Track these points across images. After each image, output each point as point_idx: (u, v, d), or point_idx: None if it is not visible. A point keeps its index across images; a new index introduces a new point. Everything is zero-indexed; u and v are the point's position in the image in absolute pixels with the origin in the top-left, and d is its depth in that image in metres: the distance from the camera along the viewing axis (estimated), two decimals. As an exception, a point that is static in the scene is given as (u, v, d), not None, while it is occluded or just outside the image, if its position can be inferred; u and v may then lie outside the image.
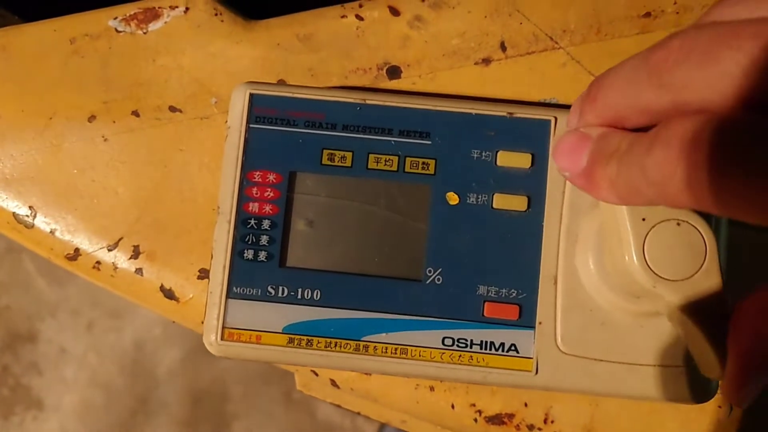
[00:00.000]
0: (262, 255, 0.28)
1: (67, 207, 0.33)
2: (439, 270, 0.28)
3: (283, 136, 0.28)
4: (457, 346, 0.27)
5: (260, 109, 0.29)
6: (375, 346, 0.27)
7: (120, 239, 0.33)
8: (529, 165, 0.28)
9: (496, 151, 0.28)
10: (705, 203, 0.18)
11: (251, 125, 0.29)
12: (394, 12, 0.33)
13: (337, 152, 0.28)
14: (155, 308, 0.34)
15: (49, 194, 0.34)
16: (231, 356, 0.28)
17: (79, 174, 0.33)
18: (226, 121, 0.29)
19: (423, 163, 0.28)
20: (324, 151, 0.28)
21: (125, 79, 0.34)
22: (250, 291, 0.28)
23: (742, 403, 0.22)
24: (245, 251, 0.28)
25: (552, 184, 0.28)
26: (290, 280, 0.28)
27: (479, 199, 0.28)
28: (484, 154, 0.28)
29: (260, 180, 0.28)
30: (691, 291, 0.23)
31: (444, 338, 0.27)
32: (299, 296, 0.28)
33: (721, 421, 0.32)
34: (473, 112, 0.28)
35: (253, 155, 0.28)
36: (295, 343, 0.27)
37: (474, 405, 0.32)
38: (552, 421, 0.31)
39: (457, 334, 0.27)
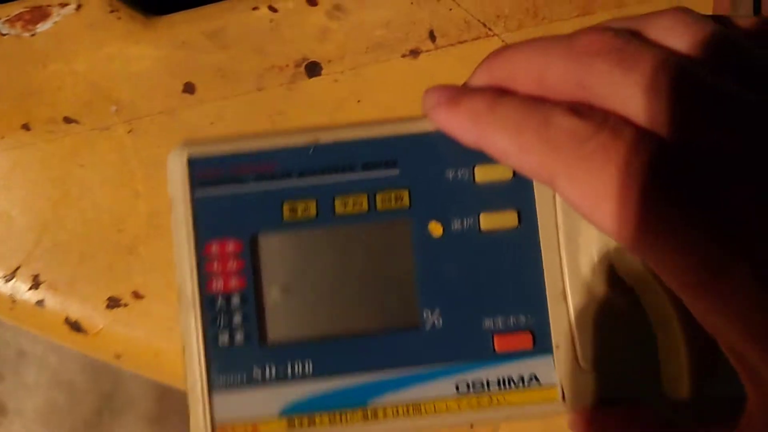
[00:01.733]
0: (239, 336, 0.25)
1: (-45, 236, 0.31)
2: (437, 311, 0.25)
3: (235, 197, 0.25)
4: (473, 390, 0.25)
5: (203, 173, 0.25)
6: (384, 410, 0.25)
7: (17, 268, 0.31)
8: (512, 175, 0.25)
9: (473, 167, 0.25)
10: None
11: (196, 193, 0.25)
12: (311, 2, 0.31)
13: (298, 203, 0.25)
14: (62, 341, 0.31)
15: (-67, 223, 0.31)
16: None
17: (-34, 198, 0.31)
18: (168, 192, 0.26)
19: (396, 196, 0.25)
20: (284, 204, 0.25)
21: (12, 88, 0.31)
22: (234, 379, 0.25)
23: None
24: (219, 336, 0.25)
25: (540, 191, 0.25)
26: (276, 357, 0.25)
27: (465, 224, 0.25)
28: (459, 172, 0.25)
29: (219, 252, 0.25)
30: None
31: (457, 385, 0.25)
32: (290, 373, 0.25)
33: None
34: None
35: (206, 225, 0.25)
36: (297, 425, 0.25)
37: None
38: (501, 440, 0.30)
39: (470, 377, 0.25)
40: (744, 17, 0.21)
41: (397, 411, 0.25)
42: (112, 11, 0.30)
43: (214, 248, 0.25)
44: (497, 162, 0.21)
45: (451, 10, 0.30)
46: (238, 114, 0.31)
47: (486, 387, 0.25)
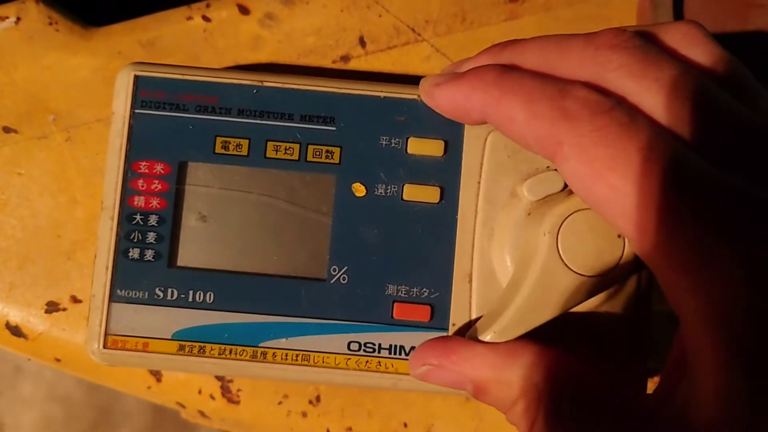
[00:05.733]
0: (149, 254, 0.26)
1: None
2: (345, 268, 0.26)
3: (172, 122, 0.26)
4: (364, 351, 0.25)
5: (147, 93, 0.26)
6: (274, 353, 0.25)
7: (-43, 275, 0.30)
8: (442, 153, 0.26)
9: (407, 138, 0.26)
10: None
11: (136, 110, 0.26)
12: (244, 11, 0.31)
13: (231, 140, 0.26)
14: (5, 346, 0.31)
15: None
16: (116, 365, 0.26)
17: None
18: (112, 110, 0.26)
19: (327, 151, 0.26)
20: (217, 138, 0.26)
21: (-48, 99, 0.31)
22: (136, 294, 0.25)
23: (414, 372, 0.23)
24: (130, 250, 0.26)
25: (466, 174, 0.26)
26: (180, 281, 0.26)
27: (388, 191, 0.26)
28: (393, 141, 0.26)
29: (147, 171, 0.26)
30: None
31: (350, 343, 0.25)
32: (190, 299, 0.26)
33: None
34: (382, 95, 0.26)
35: (139, 144, 0.26)
36: (186, 351, 0.25)
37: (350, 429, 0.30)
38: (434, 440, 0.30)
39: (364, 338, 0.25)
40: None
41: (286, 356, 0.25)
42: (51, 23, 0.31)
43: (143, 167, 0.26)
44: (503, 133, 0.21)
45: (380, 16, 0.31)
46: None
47: (377, 351, 0.25)
